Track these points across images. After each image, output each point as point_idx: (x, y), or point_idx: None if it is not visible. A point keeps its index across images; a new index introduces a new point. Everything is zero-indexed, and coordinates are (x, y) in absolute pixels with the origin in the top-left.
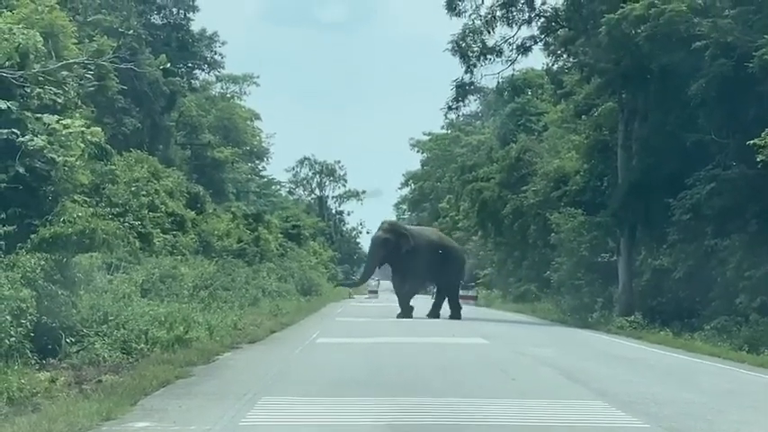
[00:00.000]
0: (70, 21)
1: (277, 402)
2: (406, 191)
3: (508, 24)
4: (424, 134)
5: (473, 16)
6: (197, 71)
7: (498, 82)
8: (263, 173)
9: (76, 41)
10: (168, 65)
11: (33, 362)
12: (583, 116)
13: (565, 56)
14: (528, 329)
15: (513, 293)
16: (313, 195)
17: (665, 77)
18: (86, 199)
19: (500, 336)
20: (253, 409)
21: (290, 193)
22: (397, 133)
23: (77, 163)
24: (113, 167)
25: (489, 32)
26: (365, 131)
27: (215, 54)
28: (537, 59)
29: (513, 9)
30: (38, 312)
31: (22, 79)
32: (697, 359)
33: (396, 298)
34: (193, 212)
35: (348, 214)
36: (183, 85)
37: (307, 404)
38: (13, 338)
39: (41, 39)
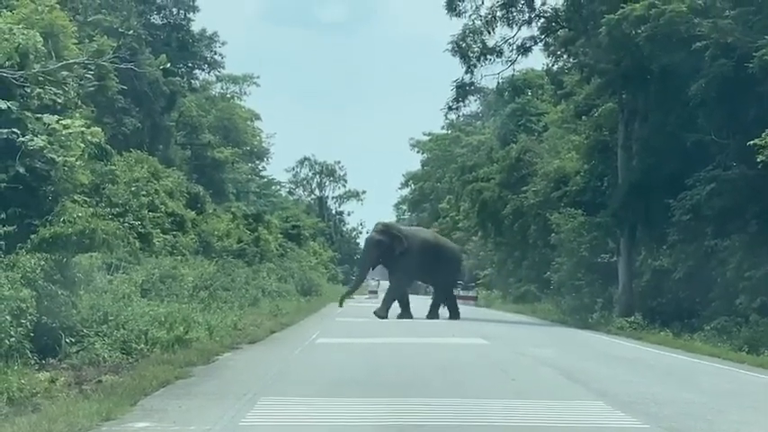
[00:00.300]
0: (70, 21)
1: (277, 403)
2: (406, 191)
3: (508, 25)
4: (425, 134)
5: (473, 17)
6: (197, 71)
7: (498, 82)
8: (263, 173)
9: (76, 41)
10: (168, 65)
11: (33, 362)
12: (583, 116)
13: (565, 56)
14: (528, 330)
15: (513, 294)
16: (313, 196)
17: (665, 78)
18: (86, 199)
19: (500, 336)
20: (252, 410)
21: (290, 193)
22: (397, 133)
23: (77, 163)
24: (113, 167)
25: (489, 33)
26: (365, 132)
27: (215, 54)
28: (537, 60)
29: (514, 9)
30: (38, 312)
31: (22, 79)
32: (697, 359)
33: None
34: (193, 213)
35: (348, 214)
36: (183, 85)
37: (306, 404)
38: (13, 338)
39: (41, 39)
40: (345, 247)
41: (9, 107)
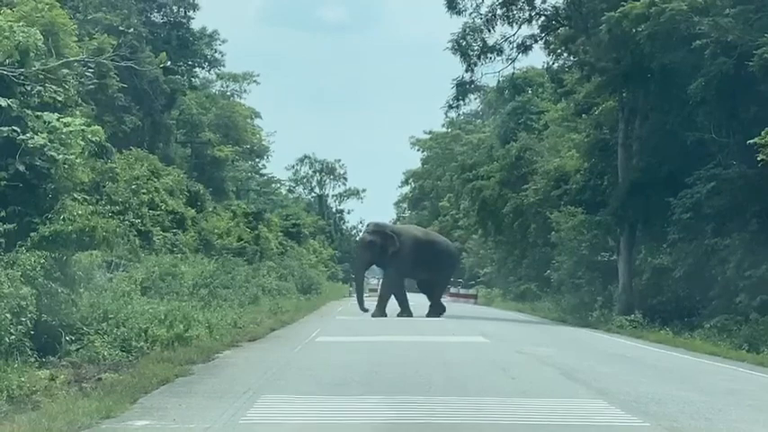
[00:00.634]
0: (70, 18)
1: (277, 400)
2: (406, 189)
3: (508, 23)
4: (425, 132)
5: (473, 15)
6: (197, 69)
7: (498, 80)
8: (263, 171)
9: (77, 39)
10: (168, 63)
11: (33, 360)
12: (583, 115)
13: (565, 54)
14: (528, 328)
15: (513, 292)
16: (313, 194)
17: (665, 76)
18: (86, 197)
19: (500, 334)
20: (252, 408)
21: (290, 191)
22: (397, 132)
23: (77, 161)
24: (113, 165)
25: (490, 31)
26: (365, 130)
27: (215, 52)
28: (537, 58)
29: (514, 7)
30: (38, 310)
31: (22, 77)
32: (697, 358)
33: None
34: (193, 210)
35: (348, 213)
36: (183, 83)
37: (306, 402)
38: (13, 336)
39: (42, 36)
40: (345, 246)
41: (9, 105)
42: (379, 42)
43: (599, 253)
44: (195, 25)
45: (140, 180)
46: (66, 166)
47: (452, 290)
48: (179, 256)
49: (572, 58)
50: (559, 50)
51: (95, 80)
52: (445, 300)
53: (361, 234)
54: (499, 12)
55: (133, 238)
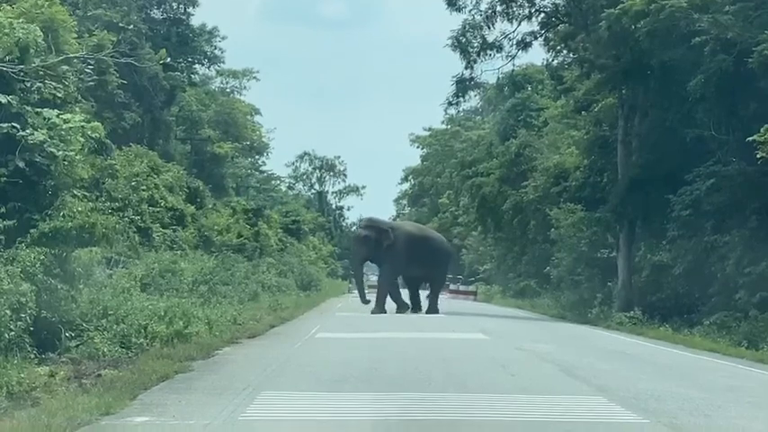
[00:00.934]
0: (70, 15)
1: (277, 397)
2: (405, 186)
3: (508, 20)
4: (424, 129)
5: (473, 11)
6: (197, 66)
7: (498, 77)
8: (262, 168)
9: (76, 36)
10: (168, 59)
11: (33, 356)
12: (583, 112)
13: (565, 51)
14: (527, 325)
15: (512, 289)
16: (313, 190)
17: (665, 73)
18: (86, 193)
19: (499, 331)
20: (252, 404)
21: (289, 188)
22: (396, 128)
23: (77, 157)
24: (113, 162)
25: (489, 28)
26: (365, 127)
27: (215, 49)
28: (537, 55)
29: (514, 4)
30: (37, 307)
31: (22, 73)
32: (696, 355)
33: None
34: (193, 207)
35: (348, 209)
36: (182, 79)
37: (306, 399)
38: (13, 332)
39: (41, 33)
40: (345, 242)
41: (9, 101)
42: (379, 39)
43: (598, 250)
44: (195, 22)
45: (140, 177)
46: (65, 163)
47: (452, 286)
48: (179, 252)
49: (572, 54)
50: (559, 47)
51: (95, 77)
52: (445, 296)
53: (355, 229)
54: (499, 8)
55: (133, 235)
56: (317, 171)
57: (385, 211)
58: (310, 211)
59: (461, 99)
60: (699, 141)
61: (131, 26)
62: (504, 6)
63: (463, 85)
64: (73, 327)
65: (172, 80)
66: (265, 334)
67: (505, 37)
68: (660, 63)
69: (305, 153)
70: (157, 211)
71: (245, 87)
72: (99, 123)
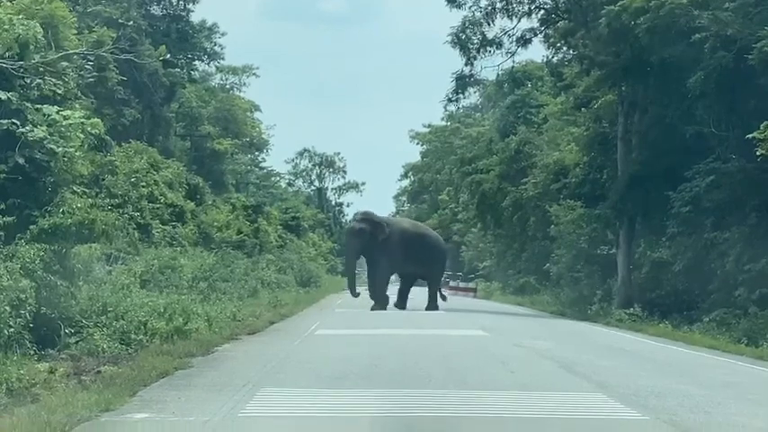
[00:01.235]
0: (70, 11)
1: (276, 393)
2: (405, 183)
3: (508, 16)
4: (424, 126)
5: (473, 8)
6: (197, 62)
7: (498, 74)
8: (262, 164)
9: (76, 32)
10: (168, 56)
11: (32, 352)
12: (582, 108)
13: (565, 48)
14: (527, 322)
15: (512, 286)
16: (312, 187)
17: (664, 70)
18: (86, 190)
19: (499, 328)
20: (252, 401)
21: (289, 184)
22: (396, 125)
23: (77, 154)
24: (113, 158)
25: (489, 24)
26: (365, 123)
27: (215, 45)
28: (537, 51)
29: (513, 1)
30: (37, 303)
31: (21, 70)
32: (696, 352)
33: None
34: (193, 204)
35: (348, 206)
36: (182, 76)
37: (306, 395)
38: (12, 329)
39: (41, 29)
40: (345, 239)
41: (9, 98)
42: (378, 36)
43: (598, 246)
44: (195, 18)
45: (140, 173)
46: (65, 159)
47: (452, 283)
48: (178, 249)
49: (571, 51)
50: (559, 44)
51: (95, 73)
52: (444, 293)
53: (350, 222)
54: (499, 5)
55: (132, 231)
56: (317, 167)
57: (384, 208)
58: (310, 208)
59: (461, 96)
60: (698, 138)
61: (131, 22)
62: (504, 3)
63: (463, 82)
64: (72, 323)
65: (172, 77)
66: (265, 330)
67: (505, 33)
68: (660, 60)
69: (304, 149)
70: (157, 208)
71: (244, 84)
72: (99, 120)
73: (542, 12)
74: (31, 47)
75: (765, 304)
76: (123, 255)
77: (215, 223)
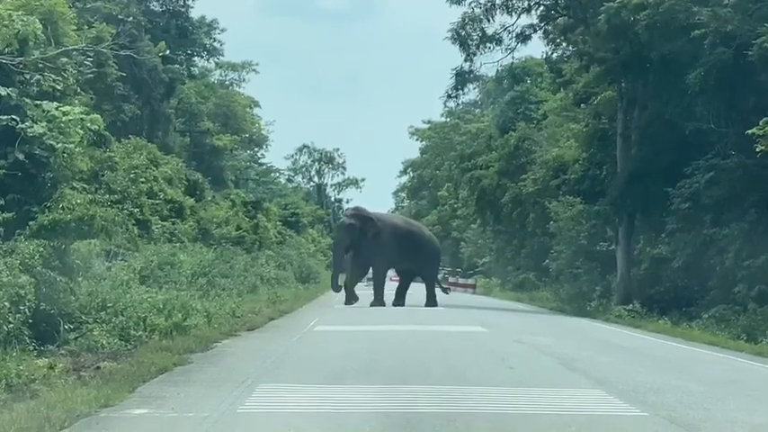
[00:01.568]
0: (69, 7)
1: (275, 389)
2: (404, 179)
3: (508, 12)
4: (424, 122)
5: (473, 4)
6: (196, 58)
7: (498, 70)
8: (262, 160)
9: (76, 28)
10: (167, 52)
11: (32, 348)
12: (582, 105)
13: (564, 44)
14: (526, 318)
15: (511, 282)
16: (312, 183)
17: (664, 66)
18: (85, 186)
19: (498, 324)
20: (251, 397)
21: (288, 180)
22: (396, 121)
23: (76, 150)
24: (112, 154)
25: (489, 20)
26: (364, 119)
27: (214, 41)
28: (536, 48)
29: None
30: (36, 299)
31: (21, 66)
32: (695, 348)
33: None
34: (192, 200)
35: (347, 202)
36: (182, 72)
37: (305, 391)
38: (12, 325)
39: (41, 25)
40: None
41: (8, 94)
42: (378, 32)
43: (597, 243)
44: (194, 14)
45: (139, 169)
46: (64, 155)
47: (451, 279)
48: (178, 245)
49: (571, 47)
50: (558, 40)
51: (94, 69)
52: (445, 286)
53: (341, 217)
54: (498, 1)
55: (132, 227)
56: (317, 163)
57: (384, 204)
58: (309, 204)
59: (461, 92)
60: (698, 134)
61: (131, 18)
62: None
63: (462, 78)
64: (72, 319)
65: (171, 72)
66: (264, 326)
67: (505, 30)
68: (659, 56)
69: (304, 145)
70: (156, 204)
71: (244, 80)
72: (98, 116)
73: (542, 8)
74: (31, 43)
75: (764, 300)
76: (123, 251)
77: (214, 219)
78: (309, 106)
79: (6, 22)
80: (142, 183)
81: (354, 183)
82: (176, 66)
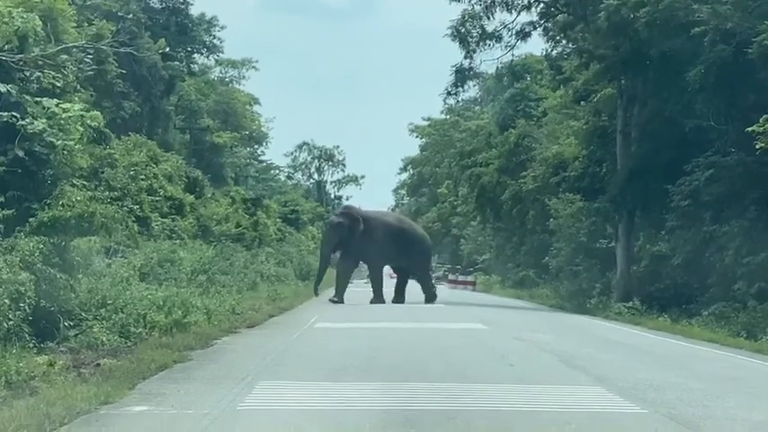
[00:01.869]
0: (69, 4)
1: (275, 386)
2: (404, 176)
3: (507, 10)
4: (423, 119)
5: (473, 1)
6: (196, 55)
7: (497, 67)
8: (262, 157)
9: (76, 25)
10: (167, 49)
11: (32, 345)
12: (582, 102)
13: (564, 41)
14: (526, 315)
15: (511, 279)
16: (312, 180)
17: (664, 63)
18: (85, 183)
19: (498, 321)
20: (251, 393)
21: (288, 177)
22: (396, 118)
23: (76, 147)
24: (112, 151)
25: (489, 18)
26: (364, 116)
27: (214, 38)
28: (536, 45)
29: None
30: (36, 296)
31: (21, 63)
32: (695, 345)
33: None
34: (192, 197)
35: (347, 199)
36: (182, 69)
37: (305, 388)
38: (12, 322)
39: (41, 22)
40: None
41: (8, 90)
42: (378, 29)
43: (597, 240)
44: (194, 11)
45: (139, 166)
46: (65, 152)
47: (451, 276)
48: (177, 242)
49: (571, 45)
50: (558, 37)
51: (94, 66)
52: (443, 286)
53: (330, 215)
54: None
55: (132, 224)
56: (316, 161)
57: (384, 201)
58: (309, 201)
59: (460, 89)
60: (698, 132)
61: (130, 15)
62: None
63: (462, 75)
64: (72, 316)
65: (171, 69)
66: (264, 323)
67: (505, 27)
68: (659, 53)
69: (304, 143)
70: (156, 201)
71: (244, 77)
72: (98, 113)
73: (542, 5)
74: (31, 40)
75: (764, 298)
76: (122, 248)
77: (214, 216)
78: (309, 103)
79: (6, 19)
80: (142, 180)
81: (354, 180)
82: (176, 63)
